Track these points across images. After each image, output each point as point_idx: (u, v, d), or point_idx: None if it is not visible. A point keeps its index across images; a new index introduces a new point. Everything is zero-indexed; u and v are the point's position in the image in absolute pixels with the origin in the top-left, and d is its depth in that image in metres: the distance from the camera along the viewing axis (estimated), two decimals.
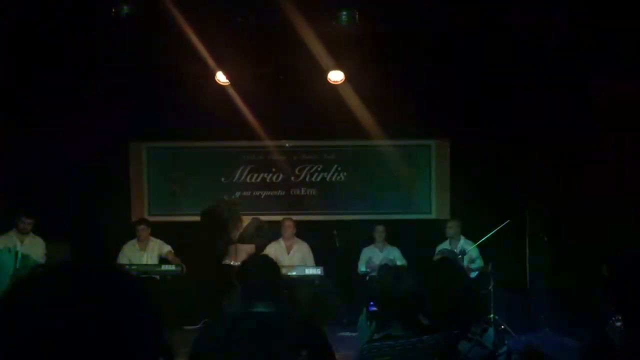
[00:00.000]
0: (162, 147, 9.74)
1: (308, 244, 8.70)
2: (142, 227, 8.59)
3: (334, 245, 8.62)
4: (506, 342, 3.67)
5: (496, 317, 7.31)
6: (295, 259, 8.49)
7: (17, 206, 8.18)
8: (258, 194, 9.60)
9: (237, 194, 9.44)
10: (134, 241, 8.60)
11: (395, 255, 8.50)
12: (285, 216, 8.85)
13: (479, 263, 8.06)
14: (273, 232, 8.67)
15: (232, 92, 8.72)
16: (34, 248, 7.85)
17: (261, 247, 8.34)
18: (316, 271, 8.03)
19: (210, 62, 8.09)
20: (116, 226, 8.84)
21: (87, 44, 7.72)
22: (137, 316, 1.09)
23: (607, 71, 6.71)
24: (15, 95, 8.27)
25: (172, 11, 6.82)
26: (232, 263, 7.76)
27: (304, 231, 8.85)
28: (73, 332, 1.01)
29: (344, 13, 6.97)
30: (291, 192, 9.64)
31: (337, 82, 8.50)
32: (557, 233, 8.47)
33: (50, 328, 1.01)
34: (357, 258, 8.68)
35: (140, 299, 1.12)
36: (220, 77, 8.58)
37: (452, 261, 5.07)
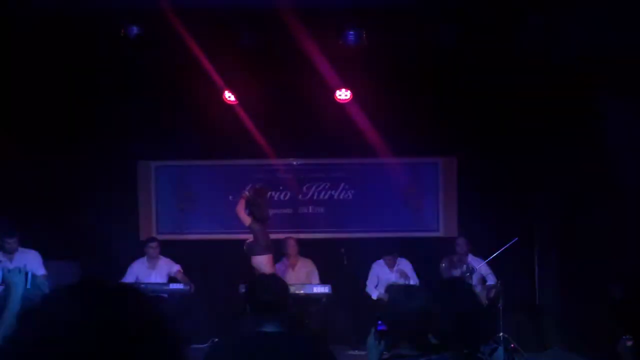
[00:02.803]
0: (170, 165, 9.77)
1: (313, 261, 8.68)
2: (153, 244, 8.57)
3: (342, 264, 8.60)
4: None
5: (505, 335, 7.26)
6: (300, 275, 8.47)
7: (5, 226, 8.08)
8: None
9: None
10: (144, 259, 8.60)
11: (406, 270, 8.44)
12: (288, 235, 8.83)
13: (491, 280, 8.02)
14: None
15: (239, 110, 8.76)
16: (28, 262, 7.47)
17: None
18: (324, 289, 8.00)
19: (218, 81, 8.15)
20: (124, 245, 8.85)
21: (96, 64, 7.81)
22: (158, 334, 1.10)
23: (611, 87, 6.71)
24: (24, 114, 8.33)
25: (180, 31, 6.89)
26: None
27: (311, 249, 8.83)
28: (97, 351, 1.02)
29: (351, 33, 7.03)
30: (299, 210, 9.64)
31: (344, 100, 8.54)
32: (567, 250, 8.43)
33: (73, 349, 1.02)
34: (365, 276, 8.64)
35: (159, 318, 1.12)
36: (228, 96, 8.62)
37: (461, 279, 5.05)
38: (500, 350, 3.56)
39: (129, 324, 1.08)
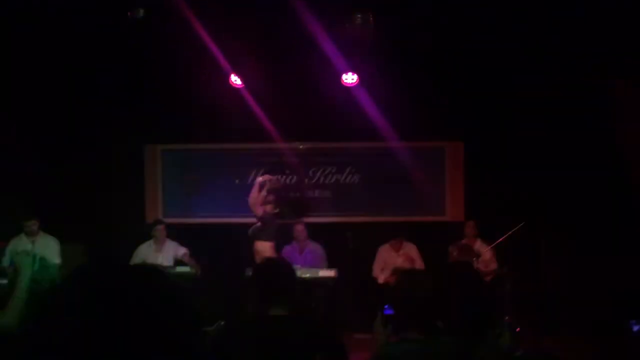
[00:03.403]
0: (176, 149, 9.78)
1: (321, 245, 8.70)
2: (160, 227, 8.61)
3: (348, 247, 8.61)
4: (521, 345, 3.67)
5: (511, 320, 7.26)
6: (308, 259, 8.49)
7: (21, 209, 8.22)
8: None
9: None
10: (151, 242, 8.63)
11: (412, 254, 8.45)
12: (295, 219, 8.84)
13: (494, 266, 8.03)
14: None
15: (246, 94, 8.74)
16: (47, 247, 7.96)
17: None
18: (330, 273, 8.02)
19: (224, 65, 8.13)
20: (131, 228, 8.89)
21: (102, 47, 7.78)
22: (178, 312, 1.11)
23: (621, 71, 6.68)
24: (30, 98, 8.34)
25: (186, 14, 6.86)
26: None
27: (317, 233, 8.85)
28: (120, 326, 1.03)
29: (359, 16, 6.98)
30: (305, 194, 9.64)
31: (351, 84, 8.51)
32: (574, 234, 8.42)
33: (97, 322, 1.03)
34: (371, 260, 8.65)
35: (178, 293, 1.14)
36: (234, 80, 8.60)
37: (468, 264, 5.05)
38: (507, 334, 3.56)
39: (152, 303, 1.09)
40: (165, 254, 8.59)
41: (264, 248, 7.49)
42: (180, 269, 8.31)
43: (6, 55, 7.57)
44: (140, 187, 9.63)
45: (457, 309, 3.49)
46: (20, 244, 8.00)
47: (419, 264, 8.31)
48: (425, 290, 3.10)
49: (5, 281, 6.68)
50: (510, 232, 7.68)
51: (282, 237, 8.71)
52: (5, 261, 7.81)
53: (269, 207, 7.65)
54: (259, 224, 7.61)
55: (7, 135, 8.14)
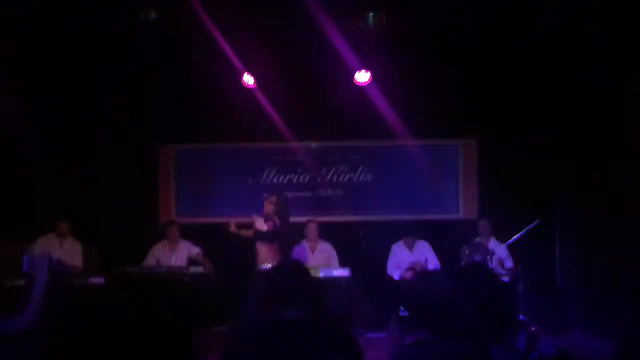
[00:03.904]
0: (189, 149, 9.80)
1: (332, 244, 8.69)
2: (173, 227, 8.67)
3: (360, 246, 8.60)
4: (538, 345, 3.63)
5: (527, 319, 7.23)
6: (320, 259, 8.48)
7: (56, 210, 8.32)
8: (285, 195, 9.60)
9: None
10: (164, 242, 8.67)
11: (426, 252, 8.41)
12: (309, 218, 8.84)
13: (508, 264, 7.99)
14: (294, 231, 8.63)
15: (258, 93, 8.75)
16: (72, 251, 8.13)
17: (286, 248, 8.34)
18: (344, 272, 8.01)
19: (237, 64, 8.14)
20: (145, 228, 8.93)
21: (115, 49, 7.82)
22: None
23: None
24: (45, 98, 8.39)
25: (198, 15, 6.87)
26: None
27: (330, 232, 8.84)
28: None
29: (371, 14, 6.97)
30: (318, 193, 9.64)
31: (363, 82, 8.49)
32: (588, 232, 8.36)
33: None
34: (385, 259, 8.63)
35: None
36: (247, 79, 8.61)
37: (483, 265, 5.03)
38: (523, 334, 3.53)
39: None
40: (179, 253, 8.63)
41: (267, 250, 7.56)
42: (194, 268, 8.33)
43: (24, 56, 7.62)
44: (154, 187, 9.66)
45: (472, 309, 3.47)
46: (48, 245, 8.07)
47: (433, 263, 8.28)
48: (440, 291, 3.08)
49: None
50: (525, 230, 7.64)
51: (293, 237, 8.73)
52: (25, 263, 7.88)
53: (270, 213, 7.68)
54: (259, 226, 7.65)
55: (24, 135, 8.19)
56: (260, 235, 7.60)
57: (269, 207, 7.66)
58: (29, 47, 7.50)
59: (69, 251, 8.08)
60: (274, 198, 7.74)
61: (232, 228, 7.76)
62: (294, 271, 3.28)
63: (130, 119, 8.88)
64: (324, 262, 8.40)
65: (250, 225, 7.84)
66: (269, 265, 7.42)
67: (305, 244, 8.63)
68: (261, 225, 7.58)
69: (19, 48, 7.45)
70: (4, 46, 7.22)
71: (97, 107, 8.76)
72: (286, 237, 7.76)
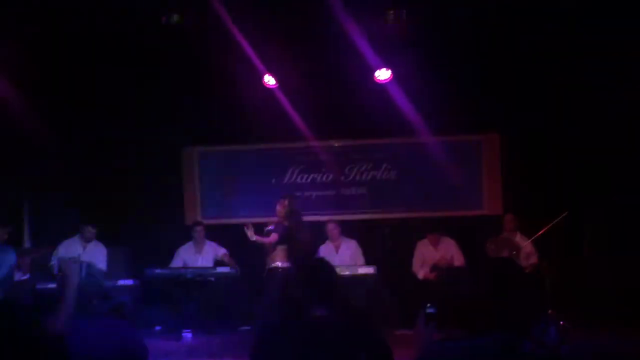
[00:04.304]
0: (213, 151, 9.88)
1: (358, 242, 8.69)
2: (198, 228, 8.74)
3: (385, 244, 8.60)
4: (567, 340, 3.63)
5: (554, 314, 7.17)
6: (345, 257, 8.49)
7: (81, 213, 8.41)
8: (309, 194, 9.64)
9: (297, 195, 9.49)
10: (191, 244, 8.75)
11: (451, 250, 8.38)
12: (328, 219, 8.85)
13: (535, 258, 7.93)
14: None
15: (279, 94, 8.78)
16: (97, 255, 8.17)
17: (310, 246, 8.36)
18: (369, 270, 8.02)
19: (258, 65, 8.18)
20: (171, 230, 9.01)
21: (137, 53, 7.90)
22: None
23: None
24: (70, 103, 8.50)
25: (220, 17, 6.92)
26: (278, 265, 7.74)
27: (354, 231, 8.85)
28: None
29: (392, 12, 6.97)
30: (341, 192, 9.65)
31: (384, 80, 8.49)
32: (617, 225, 8.28)
33: None
34: (409, 256, 8.61)
35: None
36: (267, 80, 8.65)
37: (510, 260, 5.00)
38: (552, 329, 3.53)
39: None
40: (205, 255, 8.70)
41: (276, 251, 7.63)
42: (221, 269, 8.40)
43: (49, 61, 7.74)
44: (179, 189, 9.75)
45: (499, 305, 3.47)
46: (72, 248, 8.19)
47: (459, 259, 8.24)
48: (467, 287, 3.09)
49: (53, 285, 6.92)
50: (551, 224, 7.58)
51: (316, 237, 8.75)
52: (55, 266, 8.01)
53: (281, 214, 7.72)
54: (270, 227, 7.68)
55: (49, 138, 8.32)
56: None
57: (280, 209, 7.72)
58: (54, 51, 7.61)
59: (93, 255, 8.09)
60: (285, 201, 7.78)
61: (251, 236, 7.75)
62: (320, 269, 3.30)
63: (154, 122, 8.95)
64: (349, 260, 8.40)
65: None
66: (279, 264, 7.47)
67: (329, 243, 8.65)
68: (268, 238, 7.67)
69: (43, 52, 7.56)
70: (29, 49, 7.32)
71: (122, 110, 8.85)
72: (299, 237, 7.73)
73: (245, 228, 7.77)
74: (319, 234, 8.74)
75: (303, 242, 7.69)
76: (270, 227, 7.73)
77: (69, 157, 8.75)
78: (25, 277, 7.46)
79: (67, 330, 3.18)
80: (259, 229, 7.95)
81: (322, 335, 3.06)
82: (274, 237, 7.66)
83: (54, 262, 8.06)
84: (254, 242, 7.78)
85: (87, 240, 8.33)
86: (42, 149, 8.43)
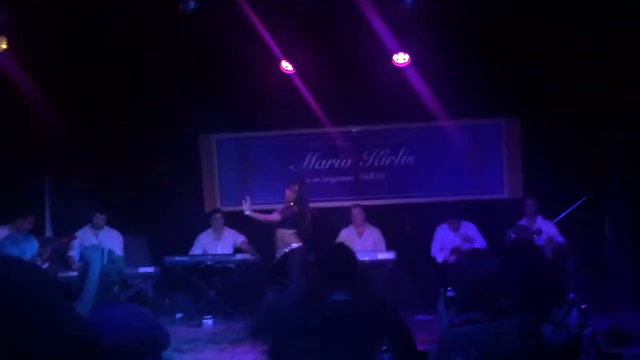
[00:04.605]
0: (230, 138, 9.89)
1: (379, 228, 8.67)
2: (217, 215, 8.79)
3: (405, 229, 8.58)
4: (590, 323, 3.58)
5: (576, 297, 7.12)
6: (367, 244, 8.48)
7: (90, 202, 8.46)
8: (327, 180, 9.63)
9: (306, 181, 9.49)
10: (210, 231, 8.80)
11: (471, 233, 8.35)
12: (354, 203, 8.84)
13: (558, 240, 7.86)
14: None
15: (297, 79, 8.76)
16: (111, 241, 8.14)
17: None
18: (389, 255, 8.01)
19: (275, 51, 8.16)
20: (190, 217, 9.05)
21: (155, 40, 7.90)
22: None
23: None
24: (87, 91, 8.54)
25: (236, 3, 6.91)
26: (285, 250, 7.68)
27: (374, 216, 8.83)
28: None
29: None
30: (360, 177, 9.63)
31: (402, 64, 8.43)
32: (638, 208, 8.19)
33: None
34: (429, 241, 8.59)
35: None
36: (285, 66, 8.62)
37: (530, 242, 4.97)
38: (575, 312, 3.47)
39: None
40: (224, 241, 8.74)
41: (286, 236, 7.56)
42: (240, 256, 8.44)
43: (68, 47, 7.78)
44: (199, 176, 9.78)
45: (520, 287, 3.44)
46: (85, 237, 8.25)
47: (479, 243, 8.21)
48: (488, 269, 3.06)
49: (74, 274, 6.98)
50: (572, 208, 7.52)
51: (339, 221, 8.75)
52: (76, 254, 8.08)
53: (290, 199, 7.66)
54: (278, 211, 7.64)
55: (66, 126, 8.38)
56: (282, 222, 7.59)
57: (290, 194, 7.65)
58: (71, 38, 7.64)
59: (108, 242, 8.01)
60: (295, 186, 7.72)
61: (246, 209, 7.65)
62: (340, 254, 3.30)
63: (171, 109, 8.97)
64: (371, 247, 8.40)
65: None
66: (291, 247, 7.42)
67: (352, 228, 8.64)
68: (269, 216, 7.65)
69: (61, 38, 7.59)
70: (47, 36, 7.36)
71: (138, 97, 8.88)
72: (307, 222, 7.69)
73: (243, 201, 7.67)
74: (341, 218, 8.76)
75: (309, 227, 7.65)
76: (279, 211, 7.67)
77: (88, 146, 8.80)
78: (44, 267, 7.54)
79: (89, 317, 3.20)
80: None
81: (343, 319, 3.05)
82: (275, 216, 7.59)
83: (73, 252, 8.13)
84: (248, 216, 7.67)
85: (98, 228, 8.37)
86: (62, 138, 8.48)
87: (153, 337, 3.56)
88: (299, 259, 7.40)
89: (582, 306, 6.57)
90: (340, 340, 2.97)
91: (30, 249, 3.76)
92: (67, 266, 7.94)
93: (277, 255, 7.66)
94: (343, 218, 8.80)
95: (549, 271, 4.01)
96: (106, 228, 8.46)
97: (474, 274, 3.06)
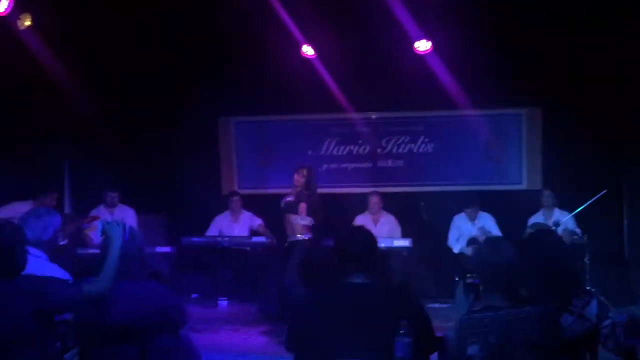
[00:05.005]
0: (249, 121, 9.89)
1: (395, 216, 8.65)
2: (235, 198, 8.83)
3: (421, 217, 8.55)
4: (609, 314, 3.56)
5: (593, 289, 7.09)
6: (382, 231, 8.45)
7: (104, 181, 8.52)
8: (345, 166, 9.62)
9: (324, 166, 9.49)
10: (227, 213, 8.84)
11: (488, 224, 8.31)
12: (371, 190, 8.81)
13: (576, 235, 7.81)
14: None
15: (318, 64, 8.73)
16: (126, 219, 8.05)
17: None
18: (405, 243, 7.99)
19: (297, 35, 8.13)
20: (207, 199, 9.08)
21: (174, 21, 7.91)
22: None
23: None
24: (106, 72, 8.58)
25: None
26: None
27: (391, 203, 8.81)
28: None
29: None
30: (378, 164, 9.60)
31: (424, 51, 8.37)
32: None
33: None
34: (446, 230, 8.56)
35: None
36: (306, 50, 8.60)
37: (551, 232, 4.93)
38: (594, 302, 3.46)
39: None
40: (241, 224, 8.78)
41: (292, 221, 7.37)
42: (256, 239, 8.46)
43: (90, 28, 7.81)
44: (216, 159, 9.81)
45: (540, 275, 3.42)
46: (100, 215, 8.30)
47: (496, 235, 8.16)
48: (508, 257, 3.05)
49: (93, 251, 7.03)
50: (591, 201, 7.46)
51: (355, 208, 8.73)
52: (94, 234, 8.13)
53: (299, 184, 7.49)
54: (290, 198, 7.50)
55: (88, 106, 8.42)
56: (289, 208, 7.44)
57: (299, 179, 7.50)
58: (95, 19, 7.67)
59: (122, 219, 8.01)
60: (304, 170, 7.58)
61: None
62: (360, 237, 3.29)
63: (190, 91, 8.99)
64: (387, 234, 8.37)
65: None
66: (301, 236, 7.28)
67: (367, 215, 8.61)
68: (305, 221, 7.33)
69: (86, 19, 7.62)
70: (73, 15, 7.38)
71: (157, 80, 8.90)
72: (316, 207, 7.55)
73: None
74: (356, 205, 8.74)
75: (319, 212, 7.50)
76: (289, 198, 7.48)
77: (109, 126, 8.85)
78: (64, 243, 7.59)
79: (110, 291, 3.23)
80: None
81: (363, 302, 3.06)
82: (303, 207, 7.42)
83: (92, 232, 8.18)
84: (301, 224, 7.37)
85: (112, 206, 8.43)
86: (82, 117, 8.53)
87: (172, 314, 3.59)
88: (300, 252, 7.18)
89: (601, 298, 6.54)
90: (359, 324, 2.97)
91: (52, 222, 3.79)
92: (85, 244, 7.98)
93: (288, 239, 7.52)
94: (358, 204, 8.78)
95: (568, 261, 4.00)
96: (120, 206, 8.51)
97: (494, 262, 3.05)
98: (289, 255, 7.22)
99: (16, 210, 6.15)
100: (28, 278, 3.10)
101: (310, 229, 7.24)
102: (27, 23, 7.42)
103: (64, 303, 3.12)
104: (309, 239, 7.19)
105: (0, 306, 2.92)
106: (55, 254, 3.89)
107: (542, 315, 3.02)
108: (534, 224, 7.92)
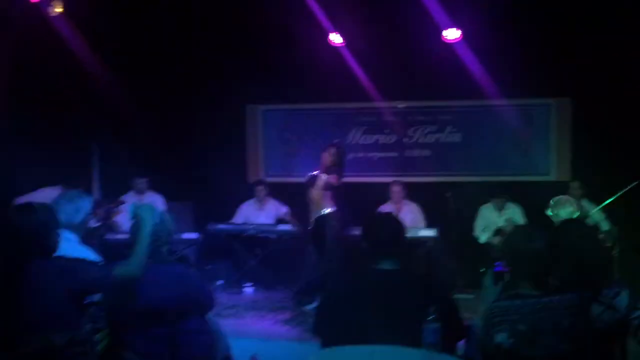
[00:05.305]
0: (276, 109, 9.90)
1: (420, 205, 8.61)
2: (260, 187, 8.85)
3: (448, 207, 8.50)
4: (638, 306, 3.53)
5: (624, 280, 7.00)
6: (406, 220, 8.35)
7: (137, 168, 8.61)
8: (371, 155, 9.60)
9: (350, 155, 9.46)
10: (253, 201, 8.87)
11: (516, 216, 8.24)
12: (394, 179, 8.77)
13: (605, 226, 7.72)
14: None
15: (345, 53, 8.71)
16: (154, 204, 8.24)
17: None
18: (430, 233, 7.96)
19: (325, 23, 8.12)
20: (234, 187, 9.12)
21: (203, 11, 7.94)
22: None
23: None
24: (136, 59, 8.64)
25: None
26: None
27: (417, 193, 8.77)
28: None
29: None
30: (405, 153, 9.57)
31: (453, 40, 8.31)
32: None
33: None
34: (472, 220, 8.51)
35: None
36: (334, 38, 8.58)
37: (579, 221, 4.89)
38: (624, 294, 3.43)
39: None
40: (267, 212, 8.81)
41: (317, 195, 7.12)
42: (282, 227, 8.49)
43: (119, 16, 7.87)
44: (242, 147, 9.85)
45: (571, 266, 3.40)
46: (130, 201, 8.39)
47: None
48: (540, 245, 3.03)
49: (122, 236, 7.11)
50: (621, 192, 7.35)
51: (377, 198, 8.70)
52: (122, 219, 8.23)
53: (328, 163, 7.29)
54: (315, 172, 7.25)
55: (117, 92, 8.49)
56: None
57: (327, 158, 7.33)
58: (124, 8, 7.73)
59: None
60: (333, 150, 7.43)
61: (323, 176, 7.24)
62: (388, 223, 3.29)
63: (218, 79, 9.02)
64: (410, 223, 8.31)
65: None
66: (325, 211, 7.05)
67: (391, 204, 8.59)
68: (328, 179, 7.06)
69: (115, 8, 7.68)
70: (102, 5, 7.45)
71: (185, 69, 8.95)
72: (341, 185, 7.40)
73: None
74: (381, 194, 8.72)
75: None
76: (314, 172, 7.21)
77: (137, 113, 8.92)
78: (94, 226, 7.68)
79: (141, 274, 3.27)
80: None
81: (391, 289, 3.06)
82: (333, 177, 7.24)
83: (119, 217, 8.26)
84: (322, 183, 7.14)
85: (141, 192, 8.53)
86: (112, 104, 8.61)
87: (199, 298, 3.63)
88: (333, 224, 7.05)
89: (630, 290, 6.47)
90: (387, 310, 2.98)
91: (84, 206, 3.84)
92: (113, 230, 8.08)
93: (312, 219, 7.33)
94: (383, 194, 8.76)
95: (600, 252, 3.96)
96: (149, 192, 8.60)
97: (525, 249, 3.03)
98: (319, 231, 7.06)
99: (47, 195, 6.22)
100: (60, 259, 3.15)
101: (333, 190, 7.04)
102: (59, 9, 7.50)
103: (95, 284, 3.15)
104: (335, 211, 7.05)
105: (34, 286, 2.96)
106: (86, 237, 3.94)
107: (572, 305, 3.01)
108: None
